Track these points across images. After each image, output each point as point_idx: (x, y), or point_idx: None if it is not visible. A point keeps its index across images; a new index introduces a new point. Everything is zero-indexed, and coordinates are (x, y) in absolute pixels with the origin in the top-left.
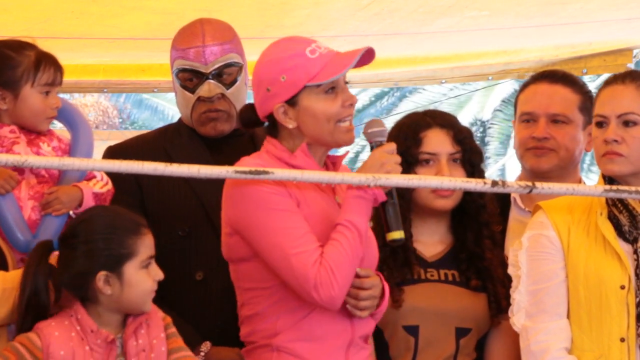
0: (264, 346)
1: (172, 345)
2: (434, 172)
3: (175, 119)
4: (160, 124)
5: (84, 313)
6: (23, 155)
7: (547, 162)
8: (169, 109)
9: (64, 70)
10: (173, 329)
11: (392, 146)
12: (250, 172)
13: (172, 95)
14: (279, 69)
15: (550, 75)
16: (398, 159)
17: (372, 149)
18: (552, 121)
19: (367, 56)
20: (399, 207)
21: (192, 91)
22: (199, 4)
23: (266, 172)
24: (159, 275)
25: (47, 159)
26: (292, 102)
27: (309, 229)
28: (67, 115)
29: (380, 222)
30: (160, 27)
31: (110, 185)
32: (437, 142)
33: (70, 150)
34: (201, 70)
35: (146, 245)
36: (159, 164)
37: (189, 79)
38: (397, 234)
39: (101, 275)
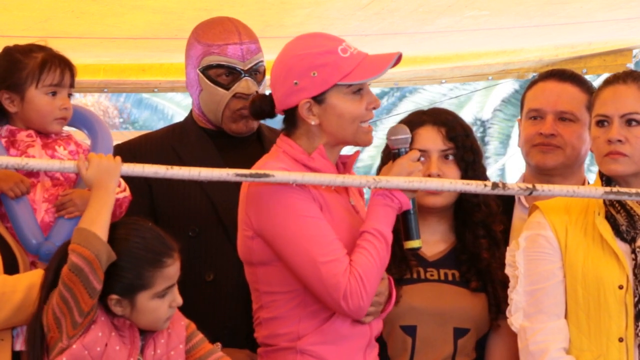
0: (287, 349)
1: (202, 351)
2: (424, 169)
3: (176, 119)
4: (161, 124)
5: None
6: (24, 158)
7: (552, 159)
8: (169, 108)
9: (75, 71)
10: (199, 335)
11: (416, 154)
12: (251, 175)
13: (172, 95)
14: (310, 64)
15: (559, 74)
16: (421, 166)
17: (394, 155)
18: (559, 118)
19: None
20: (417, 216)
21: (227, 88)
22: (199, 3)
23: (267, 175)
24: (177, 301)
25: (47, 161)
26: (319, 99)
27: (335, 235)
28: (85, 121)
29: (397, 228)
30: (160, 27)
31: (128, 192)
32: (427, 139)
33: None
34: (239, 67)
35: (165, 277)
36: (160, 167)
37: (223, 74)
38: (417, 243)
39: (113, 297)
